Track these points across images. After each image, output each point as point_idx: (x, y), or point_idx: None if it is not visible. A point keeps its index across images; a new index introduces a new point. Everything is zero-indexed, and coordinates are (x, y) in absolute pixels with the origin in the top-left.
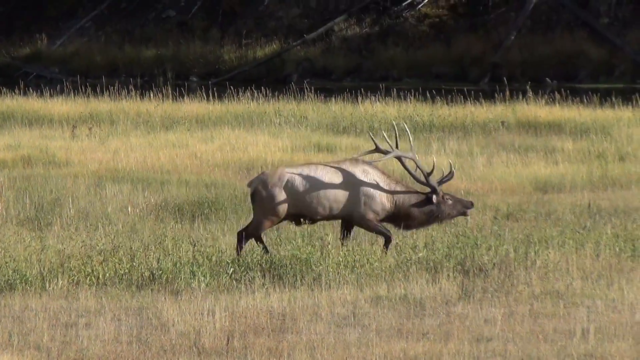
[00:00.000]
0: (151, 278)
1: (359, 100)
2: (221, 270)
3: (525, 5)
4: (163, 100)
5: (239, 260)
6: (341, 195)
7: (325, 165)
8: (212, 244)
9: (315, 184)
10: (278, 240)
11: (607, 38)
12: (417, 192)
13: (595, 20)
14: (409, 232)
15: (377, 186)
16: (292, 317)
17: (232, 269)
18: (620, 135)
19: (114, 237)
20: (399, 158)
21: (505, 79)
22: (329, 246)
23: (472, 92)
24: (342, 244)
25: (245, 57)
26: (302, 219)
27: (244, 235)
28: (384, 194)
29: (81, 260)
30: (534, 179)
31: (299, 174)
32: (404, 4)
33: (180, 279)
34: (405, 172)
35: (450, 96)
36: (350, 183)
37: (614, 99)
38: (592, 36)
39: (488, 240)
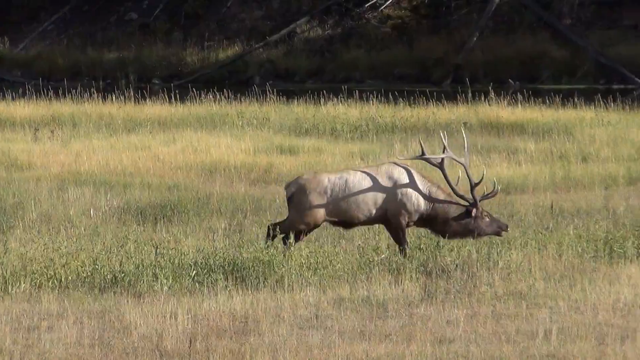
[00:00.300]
0: (114, 281)
1: (322, 102)
2: (184, 272)
3: (488, 6)
4: (125, 103)
5: (202, 263)
6: (380, 199)
7: (364, 169)
8: (175, 246)
9: (354, 189)
10: (240, 242)
11: (570, 39)
12: (457, 202)
13: (558, 21)
14: (445, 239)
15: (414, 187)
16: (254, 320)
17: (194, 272)
18: (583, 136)
19: (77, 240)
20: (453, 159)
21: (467, 80)
22: (292, 248)
23: (435, 93)
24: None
25: (208, 59)
26: (338, 224)
27: (277, 229)
28: (420, 196)
29: (43, 263)
30: (496, 179)
31: (338, 180)
32: (366, 6)
33: (143, 281)
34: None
35: (412, 97)
36: (388, 186)
37: (576, 99)
38: (554, 37)
39: (450, 242)
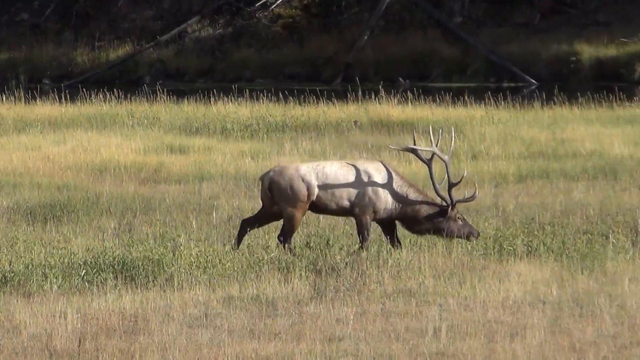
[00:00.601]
0: (3, 281)
1: (212, 101)
2: (73, 272)
3: (378, 5)
4: (15, 103)
5: (92, 262)
6: (352, 193)
7: (340, 161)
8: (65, 246)
9: (330, 178)
10: (130, 241)
11: (460, 37)
12: (432, 202)
13: (449, 19)
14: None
15: (386, 185)
16: (144, 319)
17: (84, 271)
18: (473, 134)
19: None
20: (435, 155)
21: (358, 78)
22: (181, 247)
23: (325, 92)
24: (395, 246)
25: (99, 59)
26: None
27: (283, 239)
28: (390, 194)
29: None
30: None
31: (314, 168)
32: (257, 5)
33: (33, 281)
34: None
35: (303, 96)
36: (361, 181)
37: (466, 98)
38: (445, 35)
39: (340, 240)
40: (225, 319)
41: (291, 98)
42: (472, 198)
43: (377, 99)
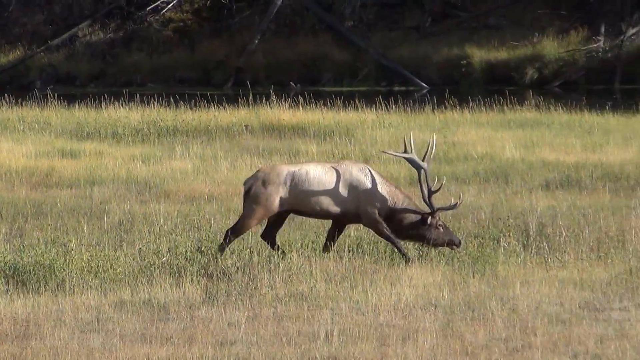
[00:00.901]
0: None
1: (103, 106)
2: None
3: (269, 9)
4: None
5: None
6: (340, 194)
7: (325, 164)
8: None
9: (314, 182)
10: (21, 246)
11: (351, 41)
12: (415, 208)
13: (340, 23)
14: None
15: (374, 185)
16: (35, 323)
17: None
18: (364, 138)
19: None
20: (411, 162)
21: (249, 82)
22: (73, 252)
23: (216, 96)
24: (330, 246)
25: None
26: (295, 213)
27: (229, 234)
28: (379, 194)
29: None
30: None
31: (298, 171)
32: (148, 9)
33: None
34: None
35: (194, 101)
36: (349, 182)
37: (357, 101)
38: (336, 39)
39: (232, 244)
40: (117, 324)
41: (182, 102)
42: (454, 206)
43: (268, 103)
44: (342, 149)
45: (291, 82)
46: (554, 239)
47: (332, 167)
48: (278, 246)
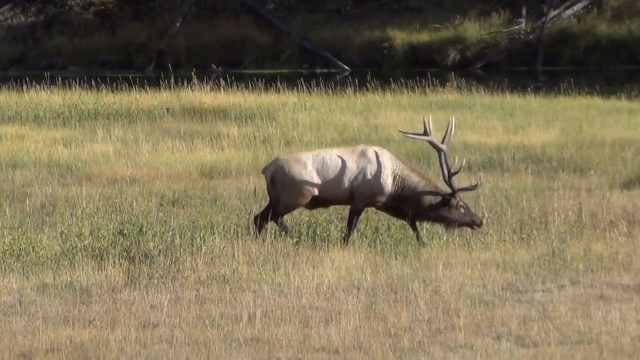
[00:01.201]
0: None
1: (24, 89)
2: None
3: None
4: None
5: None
6: (352, 179)
7: (340, 148)
8: None
9: (332, 168)
10: None
11: (273, 23)
12: (435, 189)
13: (261, 6)
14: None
15: (384, 168)
16: None
17: None
18: (286, 120)
19: None
20: (431, 144)
21: (170, 65)
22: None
23: (138, 79)
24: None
25: None
26: (316, 204)
27: (265, 219)
28: (390, 177)
29: None
30: (199, 164)
31: (315, 157)
32: None
33: None
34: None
35: (115, 84)
36: (360, 167)
37: (279, 84)
38: (257, 22)
39: (154, 227)
40: (40, 307)
41: (104, 85)
42: (475, 187)
43: (189, 86)
44: (264, 131)
45: (213, 65)
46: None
47: (348, 152)
48: (265, 230)
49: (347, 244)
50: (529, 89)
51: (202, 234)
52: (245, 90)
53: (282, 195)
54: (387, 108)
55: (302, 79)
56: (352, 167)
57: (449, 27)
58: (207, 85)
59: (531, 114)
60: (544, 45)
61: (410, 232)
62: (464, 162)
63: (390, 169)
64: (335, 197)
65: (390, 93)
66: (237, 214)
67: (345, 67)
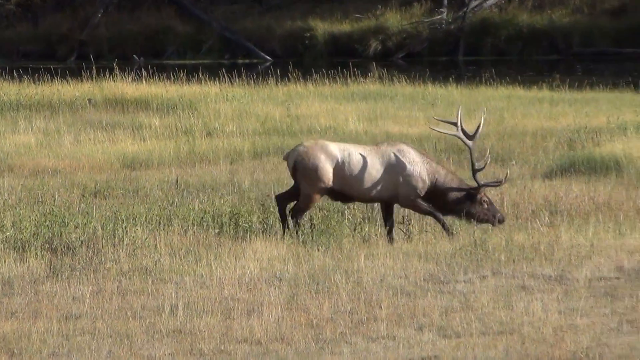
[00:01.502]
0: None
1: None
2: None
3: None
4: None
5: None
6: (380, 177)
7: (365, 146)
8: None
9: (358, 164)
10: None
11: (195, 14)
12: (460, 184)
13: None
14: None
15: (414, 164)
16: None
17: None
18: (208, 111)
19: None
20: (460, 139)
21: (92, 56)
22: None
23: (59, 70)
24: (386, 227)
25: None
26: (338, 197)
27: (295, 212)
28: (422, 172)
29: None
30: (121, 155)
31: (343, 149)
32: None
33: None
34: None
35: (37, 75)
36: (387, 164)
37: (201, 75)
38: (179, 12)
39: (76, 218)
40: None
41: (25, 76)
42: (500, 182)
43: (111, 76)
44: (185, 122)
45: (135, 56)
46: (399, 212)
47: (372, 150)
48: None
49: (451, 235)
50: (451, 79)
51: (124, 225)
52: (167, 81)
53: (302, 184)
54: (308, 98)
55: (223, 70)
56: (378, 167)
57: (371, 17)
58: (129, 76)
59: (453, 104)
60: (465, 35)
61: (333, 222)
62: (489, 158)
63: (422, 165)
64: (360, 195)
65: (312, 83)
66: (159, 205)
67: (267, 57)
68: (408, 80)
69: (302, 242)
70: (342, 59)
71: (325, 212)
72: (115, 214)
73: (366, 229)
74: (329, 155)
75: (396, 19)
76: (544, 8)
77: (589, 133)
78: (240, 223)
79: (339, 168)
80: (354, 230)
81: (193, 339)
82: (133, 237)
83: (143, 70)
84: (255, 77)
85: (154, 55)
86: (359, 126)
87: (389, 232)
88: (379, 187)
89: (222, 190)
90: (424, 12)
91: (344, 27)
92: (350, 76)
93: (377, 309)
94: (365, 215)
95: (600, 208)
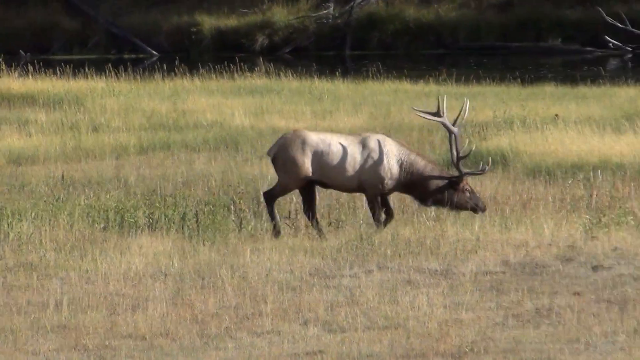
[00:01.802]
0: None
1: None
2: None
3: None
4: None
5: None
6: (357, 167)
7: (347, 136)
8: None
9: (336, 153)
10: None
11: (81, 9)
12: (441, 173)
13: None
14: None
15: (389, 156)
16: None
17: None
18: (94, 106)
19: None
20: (444, 125)
21: None
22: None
23: None
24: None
25: None
26: (318, 184)
27: (270, 197)
28: (395, 164)
29: None
30: (7, 151)
31: (321, 139)
32: None
33: None
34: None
35: None
36: (365, 155)
37: (87, 70)
38: (66, 7)
39: None
40: None
41: None
42: (483, 171)
43: None
44: (72, 117)
45: (21, 51)
46: (285, 206)
47: (353, 140)
48: (317, 220)
49: (382, 225)
50: (337, 74)
51: (9, 221)
52: (53, 76)
53: (279, 174)
54: (195, 93)
55: (110, 65)
56: (357, 157)
57: (257, 11)
58: (15, 71)
59: (339, 99)
60: (352, 30)
61: (219, 217)
62: (474, 146)
63: (396, 157)
64: (337, 184)
65: (199, 78)
66: (45, 201)
67: (154, 52)
68: (295, 75)
69: (188, 237)
70: (229, 53)
71: (211, 207)
72: (0, 209)
73: (252, 224)
74: (308, 146)
75: (283, 13)
76: (431, 2)
77: (476, 127)
78: (126, 218)
79: (318, 158)
80: (240, 225)
81: (77, 335)
82: (18, 232)
83: (29, 65)
84: (141, 72)
85: (40, 51)
86: (245, 121)
87: (385, 222)
88: (357, 178)
89: (108, 185)
90: (311, 6)
91: (231, 21)
92: (237, 71)
93: (263, 304)
94: (251, 210)
95: (487, 202)
